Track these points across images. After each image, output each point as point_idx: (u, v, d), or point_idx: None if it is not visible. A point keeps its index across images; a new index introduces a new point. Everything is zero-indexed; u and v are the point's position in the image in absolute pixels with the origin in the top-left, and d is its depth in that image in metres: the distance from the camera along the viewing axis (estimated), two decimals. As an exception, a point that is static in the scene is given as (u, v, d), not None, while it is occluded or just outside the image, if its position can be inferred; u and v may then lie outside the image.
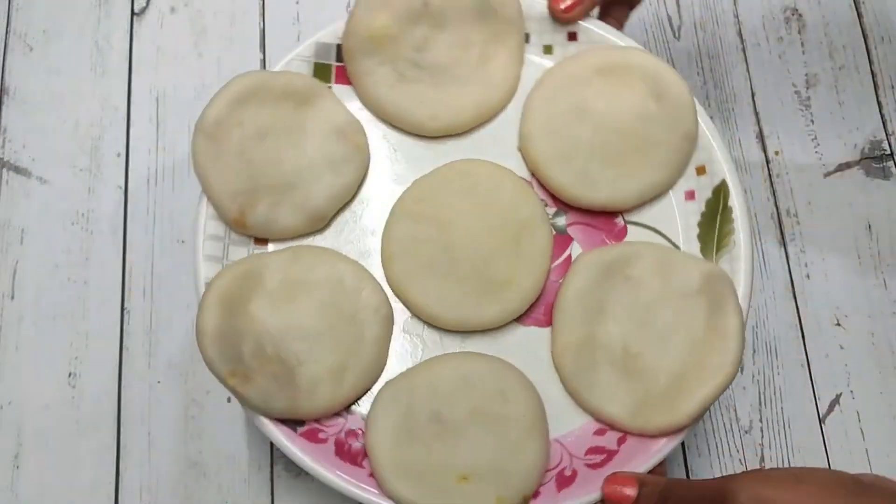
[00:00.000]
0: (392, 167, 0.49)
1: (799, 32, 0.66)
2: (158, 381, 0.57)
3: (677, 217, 0.48)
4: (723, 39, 0.66)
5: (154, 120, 0.62)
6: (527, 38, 0.50)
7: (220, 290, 0.44)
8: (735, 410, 0.57)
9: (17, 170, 0.61)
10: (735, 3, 0.67)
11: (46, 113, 0.62)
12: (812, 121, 0.64)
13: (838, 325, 0.59)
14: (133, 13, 0.65)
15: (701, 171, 0.48)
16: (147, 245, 0.59)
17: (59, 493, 0.55)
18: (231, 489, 0.55)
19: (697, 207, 0.48)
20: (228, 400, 0.56)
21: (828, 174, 0.63)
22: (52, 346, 0.57)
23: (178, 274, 0.59)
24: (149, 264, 0.59)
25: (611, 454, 0.45)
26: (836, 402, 0.58)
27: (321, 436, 0.45)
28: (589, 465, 0.44)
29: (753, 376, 0.58)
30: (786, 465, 0.56)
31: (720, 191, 0.48)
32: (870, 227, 0.61)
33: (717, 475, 0.56)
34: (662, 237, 0.48)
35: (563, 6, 0.48)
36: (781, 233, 0.61)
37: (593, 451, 0.45)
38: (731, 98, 0.64)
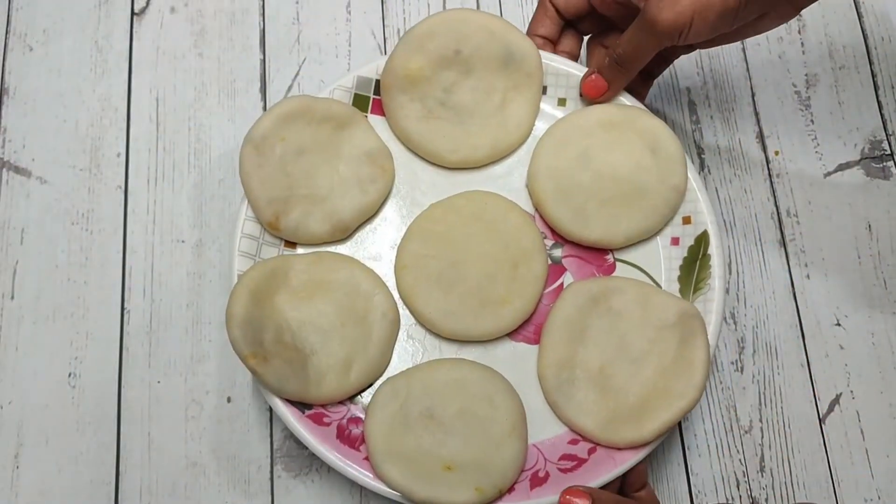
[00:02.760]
0: (412, 191, 0.55)
1: (799, 32, 0.66)
2: (158, 381, 0.57)
3: (661, 259, 0.54)
4: (723, 39, 0.66)
5: (154, 120, 0.62)
6: (544, 89, 0.56)
7: (250, 282, 0.49)
8: (735, 410, 0.57)
9: (17, 170, 0.61)
10: (735, 3, 0.67)
11: (46, 113, 0.62)
12: (812, 121, 0.64)
13: (838, 325, 0.59)
14: (133, 13, 0.65)
15: (687, 220, 0.54)
16: (147, 245, 0.59)
17: (59, 493, 0.55)
18: (231, 489, 0.55)
19: (680, 252, 0.54)
20: (228, 400, 0.56)
21: (828, 174, 0.63)
22: (52, 346, 0.57)
23: (178, 274, 0.59)
24: (149, 264, 0.59)
25: (581, 462, 0.50)
26: (836, 402, 0.58)
27: (326, 420, 0.50)
28: (561, 470, 0.50)
29: (753, 376, 0.58)
30: (786, 465, 0.56)
31: (702, 239, 0.53)
32: (870, 227, 0.61)
33: (718, 475, 0.56)
34: (646, 275, 0.54)
35: (590, 91, 0.54)
36: (781, 233, 0.61)
37: (566, 457, 0.50)
38: (731, 98, 0.64)
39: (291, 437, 0.56)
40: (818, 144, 0.63)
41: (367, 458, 0.49)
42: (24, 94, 0.63)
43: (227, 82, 0.63)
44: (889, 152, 0.63)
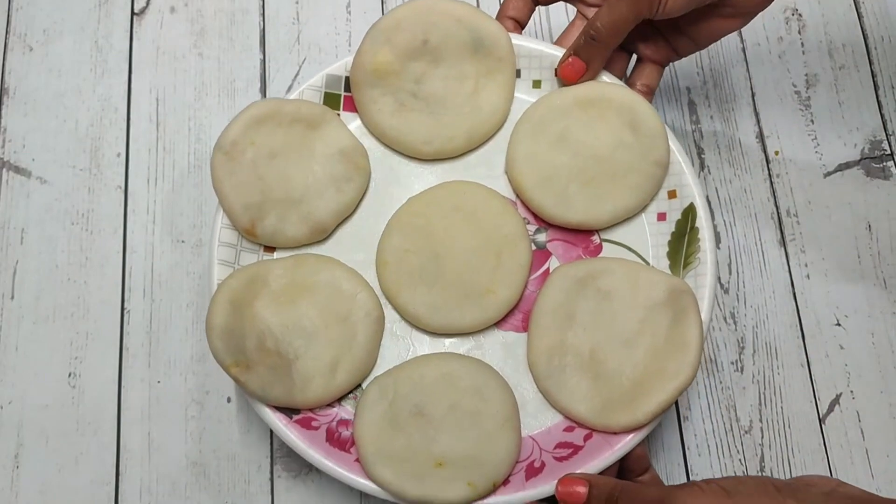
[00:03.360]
0: (389, 187, 0.54)
1: (799, 32, 0.66)
2: (158, 381, 0.57)
3: (648, 236, 0.53)
4: (723, 39, 0.66)
5: (154, 120, 0.62)
6: (518, 73, 0.55)
7: (229, 291, 0.49)
8: (735, 410, 0.57)
9: (17, 170, 0.61)
10: (735, 3, 0.67)
11: (46, 113, 0.62)
12: (812, 121, 0.64)
13: (838, 325, 0.59)
14: (133, 13, 0.65)
15: (672, 194, 0.52)
16: (147, 245, 0.60)
17: (59, 493, 0.55)
18: (231, 489, 0.55)
19: (668, 228, 0.52)
20: (228, 400, 0.56)
21: (828, 174, 0.63)
22: (52, 346, 0.57)
23: (178, 274, 0.59)
24: (149, 264, 0.59)
25: (577, 449, 0.49)
26: (836, 402, 0.58)
27: (314, 424, 0.49)
28: (556, 458, 0.48)
29: (753, 376, 0.58)
30: (786, 465, 0.56)
31: (689, 213, 0.52)
32: (870, 227, 0.61)
33: (718, 475, 0.56)
34: (634, 254, 0.53)
35: (568, 74, 0.52)
36: (781, 233, 0.61)
37: (561, 445, 0.49)
38: (731, 98, 0.64)
39: (291, 437, 0.56)
40: (818, 144, 0.63)
41: (357, 460, 0.48)
42: (24, 94, 0.63)
43: (227, 82, 0.63)
44: (889, 152, 0.63)
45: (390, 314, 0.52)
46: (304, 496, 0.55)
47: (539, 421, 0.50)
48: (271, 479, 0.55)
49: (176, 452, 0.55)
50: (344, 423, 0.49)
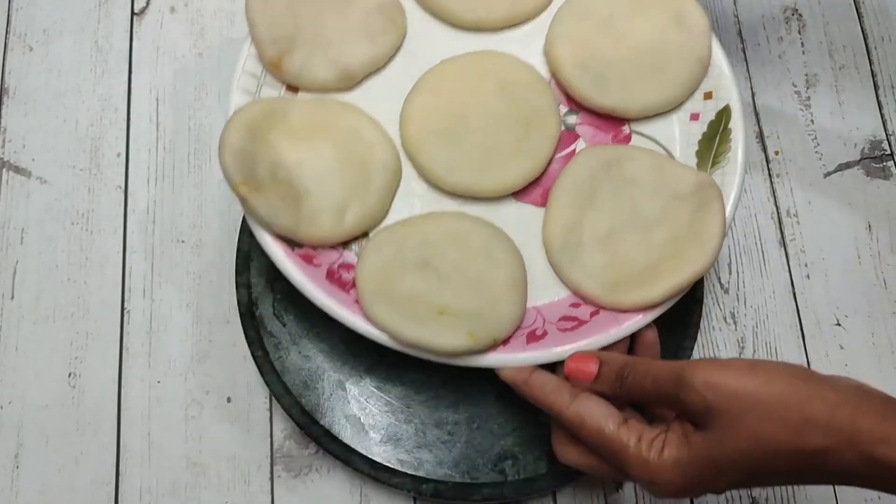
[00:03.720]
0: (423, 49, 0.52)
1: (799, 32, 0.66)
2: (158, 381, 0.57)
3: (679, 134, 0.51)
4: (723, 39, 0.66)
5: (154, 120, 0.62)
6: None
7: (246, 116, 0.47)
8: (735, 410, 0.57)
9: (17, 170, 0.61)
10: (735, 3, 0.67)
11: (46, 113, 0.62)
12: (812, 121, 0.64)
13: (838, 325, 0.59)
14: (133, 13, 0.65)
15: (708, 96, 0.51)
16: (147, 245, 0.60)
17: (59, 493, 0.55)
18: (231, 489, 0.55)
19: (699, 129, 0.51)
20: (228, 400, 0.56)
21: (828, 174, 0.63)
22: (52, 346, 0.57)
23: (178, 274, 0.59)
24: (149, 264, 0.59)
25: (581, 322, 0.47)
26: (836, 402, 0.58)
27: (315, 262, 0.48)
28: (560, 329, 0.47)
29: (753, 376, 0.58)
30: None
31: (723, 114, 0.51)
32: (870, 227, 0.61)
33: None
34: (663, 149, 0.51)
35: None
36: (781, 233, 0.61)
37: (566, 319, 0.48)
38: (731, 98, 0.64)
39: (291, 436, 0.56)
40: (818, 144, 0.63)
41: (357, 302, 0.46)
42: (24, 94, 0.63)
43: (227, 82, 0.63)
44: (889, 152, 0.63)
45: (408, 172, 0.50)
46: (304, 496, 0.55)
47: (546, 295, 0.48)
48: (271, 479, 0.55)
49: (176, 452, 0.55)
50: (346, 266, 0.48)
